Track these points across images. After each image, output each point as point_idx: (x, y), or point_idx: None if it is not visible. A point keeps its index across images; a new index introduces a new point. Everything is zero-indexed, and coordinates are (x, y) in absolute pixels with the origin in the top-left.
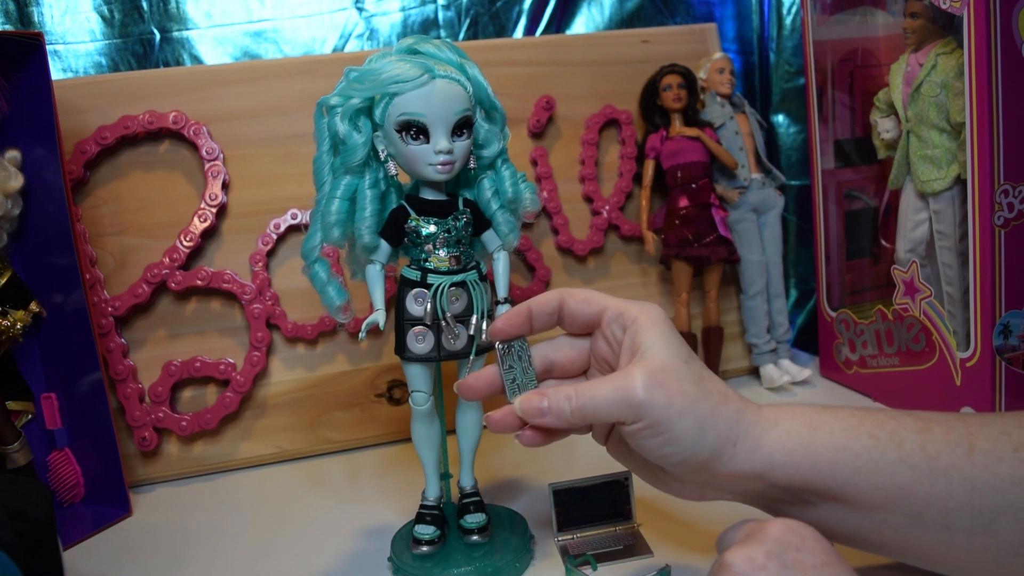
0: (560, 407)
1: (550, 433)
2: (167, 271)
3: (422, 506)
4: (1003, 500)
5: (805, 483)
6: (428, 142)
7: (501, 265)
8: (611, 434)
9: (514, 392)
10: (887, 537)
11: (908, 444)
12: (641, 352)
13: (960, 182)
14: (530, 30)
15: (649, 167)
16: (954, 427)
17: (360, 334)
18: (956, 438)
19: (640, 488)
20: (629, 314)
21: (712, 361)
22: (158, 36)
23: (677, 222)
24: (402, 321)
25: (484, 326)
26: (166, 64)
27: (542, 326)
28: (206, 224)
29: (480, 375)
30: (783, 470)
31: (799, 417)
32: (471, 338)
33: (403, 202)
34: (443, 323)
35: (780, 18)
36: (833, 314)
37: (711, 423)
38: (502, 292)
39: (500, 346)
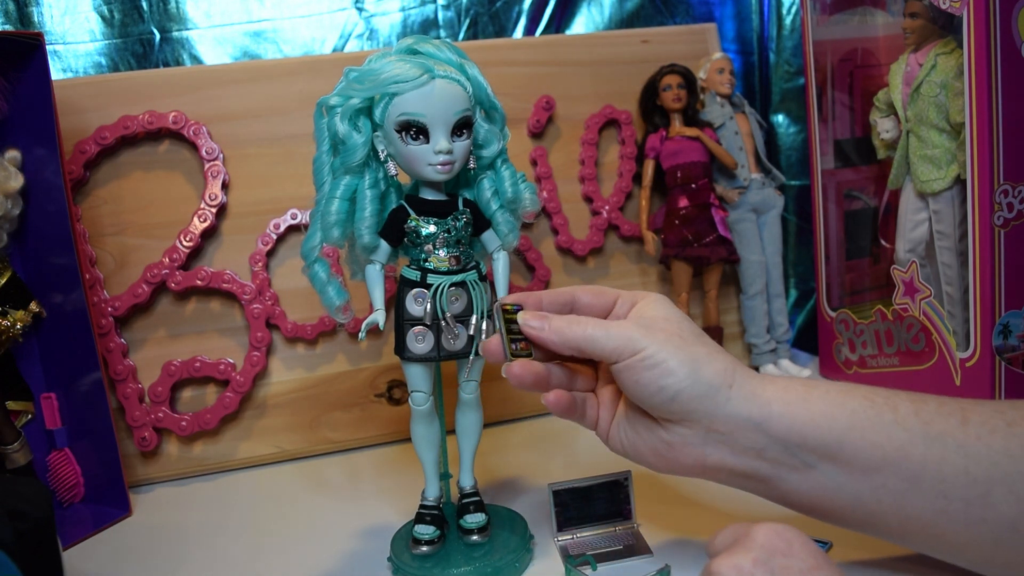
0: (560, 326)
1: (571, 402)
2: (167, 271)
3: (422, 506)
4: (997, 472)
5: (802, 438)
6: (428, 142)
7: (501, 265)
8: (613, 421)
9: (516, 353)
10: (886, 505)
11: (902, 409)
12: (643, 312)
13: (960, 182)
14: (530, 30)
15: (649, 167)
16: (947, 402)
17: (360, 334)
18: (949, 410)
19: (640, 488)
20: (639, 295)
21: None
22: (158, 36)
23: (677, 222)
24: (402, 321)
25: (484, 326)
26: (166, 64)
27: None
28: (206, 224)
29: (529, 367)
30: (781, 420)
31: (794, 379)
32: (471, 338)
33: (403, 202)
34: (443, 323)
35: (780, 18)
36: (833, 314)
37: (707, 362)
38: (502, 292)
39: (498, 305)
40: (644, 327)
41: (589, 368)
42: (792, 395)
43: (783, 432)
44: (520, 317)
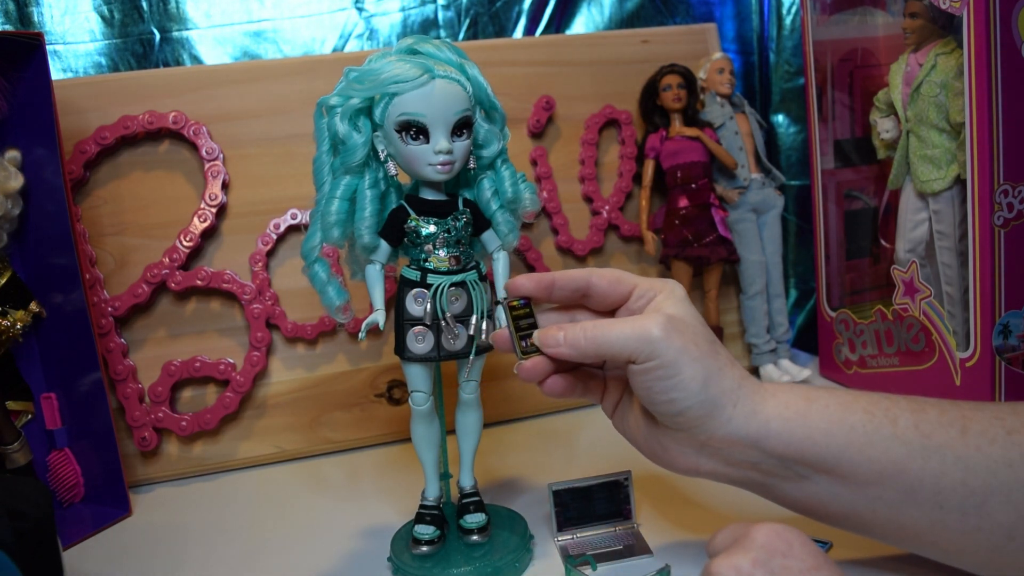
0: (575, 336)
1: (569, 384)
2: (167, 271)
3: (422, 506)
4: (995, 481)
5: (799, 454)
6: (428, 142)
7: (501, 265)
8: (619, 404)
9: (527, 350)
10: (881, 515)
11: (902, 422)
12: (663, 308)
13: (960, 182)
14: (530, 30)
15: (649, 167)
16: (948, 410)
17: (360, 334)
18: (950, 419)
19: (640, 488)
20: (656, 287)
21: None
22: (158, 36)
23: (677, 222)
24: (402, 321)
25: (484, 326)
26: (166, 64)
27: (561, 299)
28: (206, 224)
29: (540, 365)
30: (778, 439)
31: (796, 391)
32: (471, 338)
33: (403, 202)
34: (443, 323)
35: (780, 18)
36: (833, 314)
37: (717, 378)
38: (502, 292)
39: (504, 302)
40: (663, 327)
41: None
42: (791, 411)
43: (780, 449)
44: (536, 338)
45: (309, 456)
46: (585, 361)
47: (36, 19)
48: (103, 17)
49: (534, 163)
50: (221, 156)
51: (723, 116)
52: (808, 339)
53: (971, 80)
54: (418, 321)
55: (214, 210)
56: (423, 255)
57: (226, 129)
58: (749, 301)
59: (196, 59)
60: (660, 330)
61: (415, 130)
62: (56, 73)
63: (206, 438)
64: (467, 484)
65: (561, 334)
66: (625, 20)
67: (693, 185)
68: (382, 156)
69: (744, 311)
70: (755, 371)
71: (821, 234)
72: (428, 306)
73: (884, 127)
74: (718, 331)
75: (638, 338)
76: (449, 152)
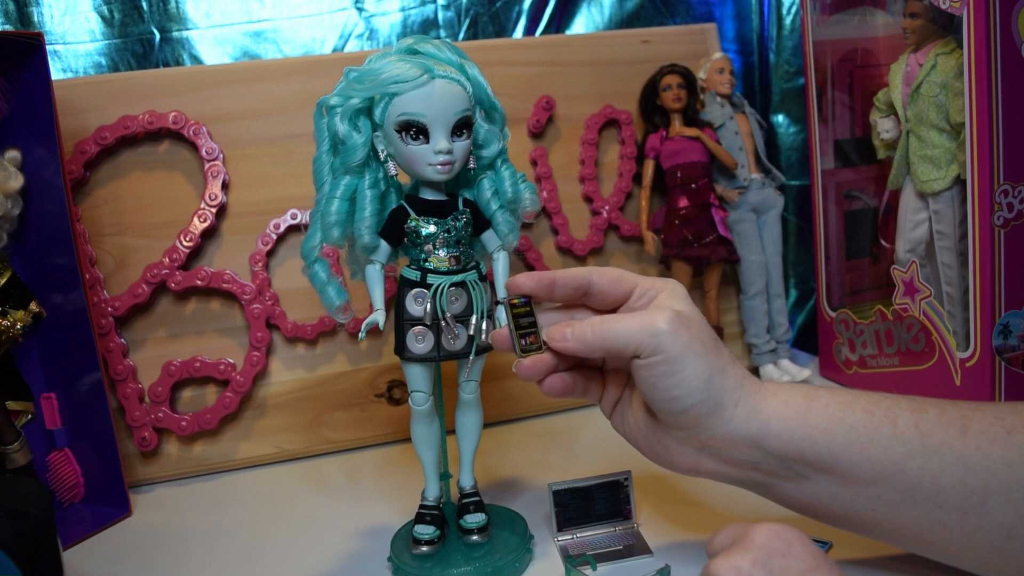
0: (582, 331)
1: (568, 382)
2: (167, 271)
3: (422, 506)
4: (995, 481)
5: (799, 453)
6: (428, 142)
7: (501, 265)
8: (618, 403)
9: (526, 348)
10: (881, 515)
11: (902, 421)
12: (668, 305)
13: (960, 182)
14: (530, 30)
15: (649, 167)
16: (948, 409)
17: (360, 334)
18: (950, 419)
19: (640, 488)
20: (657, 287)
21: None
22: (158, 36)
23: (677, 222)
24: (402, 321)
25: (484, 326)
26: (166, 64)
27: (562, 298)
28: (206, 224)
29: (539, 363)
30: (778, 438)
31: (796, 390)
32: (471, 338)
33: (403, 202)
34: (443, 323)
35: (780, 18)
36: (833, 314)
37: (720, 377)
38: (502, 292)
39: (505, 300)
40: (670, 321)
41: (596, 359)
42: (791, 410)
43: (780, 448)
44: (546, 336)
45: (309, 456)
46: (591, 356)
47: (36, 19)
48: (103, 17)
49: (534, 163)
50: (221, 156)
51: (723, 116)
52: (808, 339)
53: (971, 80)
54: (418, 321)
55: (214, 210)
56: (423, 255)
57: (226, 129)
58: (749, 301)
59: (196, 59)
60: (667, 324)
61: (415, 130)
62: (56, 73)
63: (206, 438)
64: (467, 484)
65: (569, 330)
66: (625, 20)
67: (693, 185)
68: (382, 156)
69: (744, 311)
70: (755, 371)
71: (821, 234)
72: (428, 306)
73: (884, 127)
74: (718, 331)
75: (644, 331)
76: (449, 152)
